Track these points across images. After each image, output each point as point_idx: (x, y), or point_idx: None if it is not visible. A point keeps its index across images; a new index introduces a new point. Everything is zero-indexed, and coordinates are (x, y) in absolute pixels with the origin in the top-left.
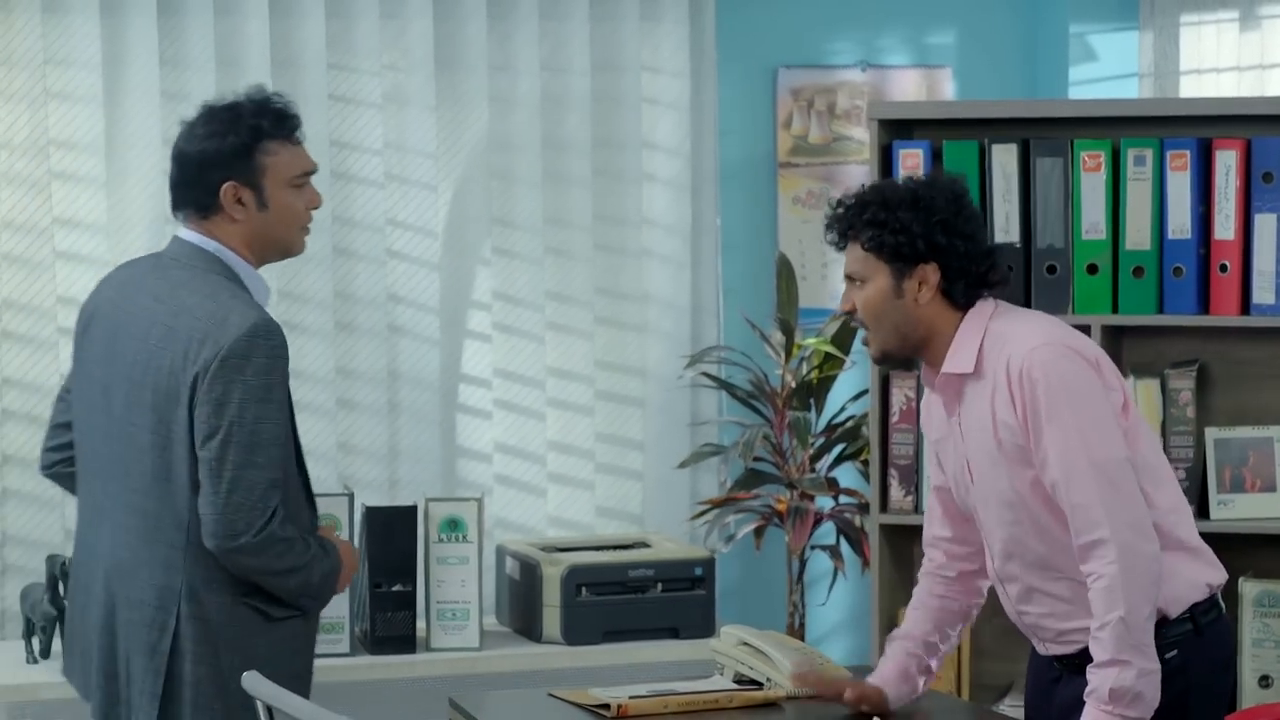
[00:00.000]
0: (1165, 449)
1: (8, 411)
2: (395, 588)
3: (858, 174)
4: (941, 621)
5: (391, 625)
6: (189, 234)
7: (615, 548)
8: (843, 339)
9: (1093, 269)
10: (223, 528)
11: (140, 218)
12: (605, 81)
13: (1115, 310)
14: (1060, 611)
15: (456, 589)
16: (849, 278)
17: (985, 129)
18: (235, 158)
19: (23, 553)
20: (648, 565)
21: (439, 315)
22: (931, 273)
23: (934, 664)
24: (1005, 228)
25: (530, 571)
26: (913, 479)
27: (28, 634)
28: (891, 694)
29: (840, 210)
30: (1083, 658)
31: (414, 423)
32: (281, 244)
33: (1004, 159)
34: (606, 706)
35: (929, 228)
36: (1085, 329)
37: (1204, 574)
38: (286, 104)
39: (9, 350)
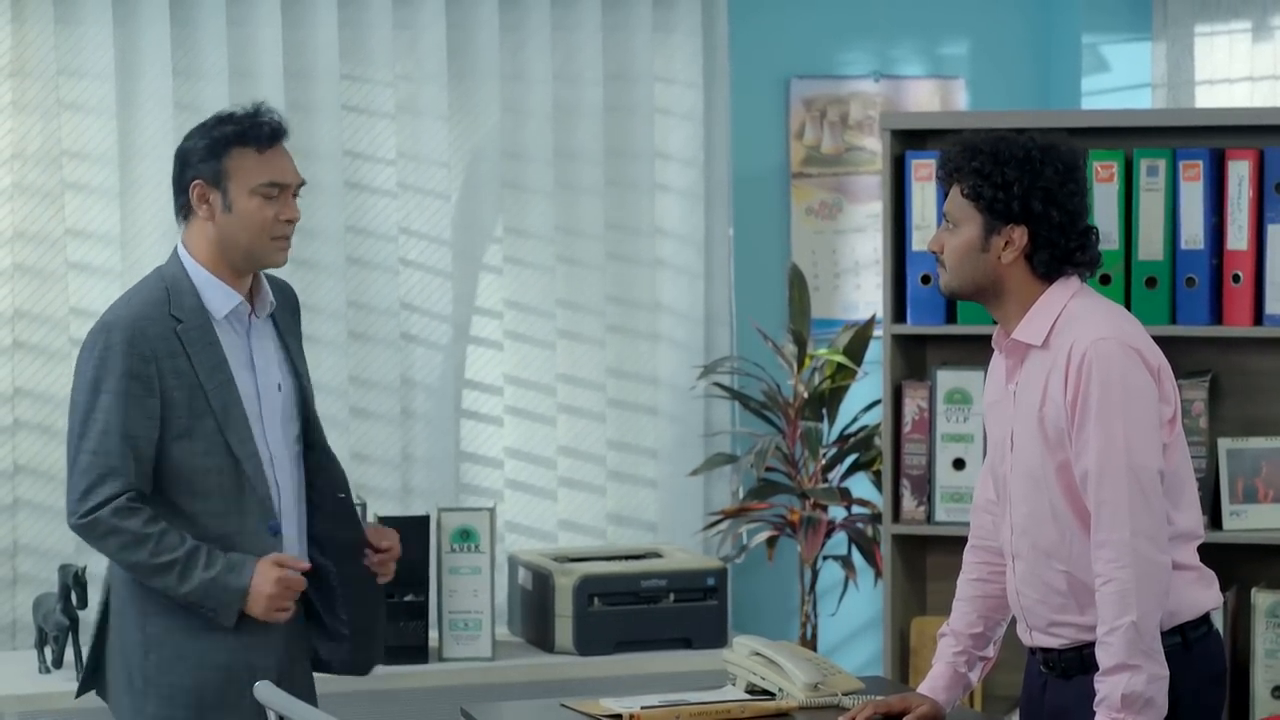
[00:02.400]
0: None
1: (20, 422)
2: (408, 598)
3: (871, 184)
4: (985, 610)
5: (404, 635)
6: (179, 243)
7: (627, 558)
8: (854, 349)
9: (1105, 279)
10: (67, 507)
11: (153, 228)
12: (618, 91)
13: None
14: (1054, 603)
15: (469, 599)
16: (945, 217)
17: None
18: (203, 159)
19: (35, 562)
20: (660, 575)
21: (451, 323)
22: (1020, 235)
23: (990, 650)
24: None
25: (543, 581)
26: (925, 489)
27: (40, 644)
28: (944, 700)
29: (953, 150)
30: (1067, 658)
31: (427, 430)
32: (249, 251)
33: None
34: (619, 717)
35: (1029, 190)
36: None
37: (1203, 598)
38: (269, 116)
39: (22, 361)
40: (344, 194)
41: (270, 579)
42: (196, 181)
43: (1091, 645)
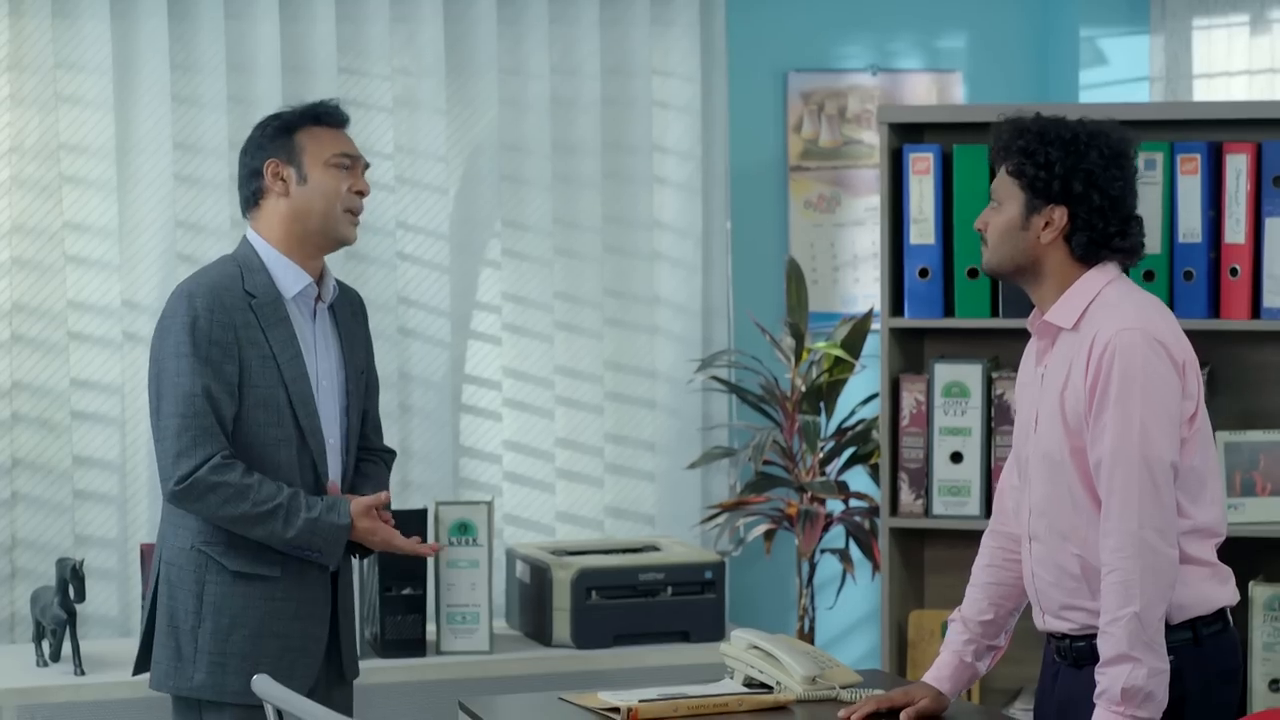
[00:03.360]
0: None
1: (19, 415)
2: (405, 591)
3: (869, 178)
4: (997, 597)
5: (402, 628)
6: (248, 230)
7: (625, 551)
8: (852, 343)
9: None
10: (160, 475)
11: (151, 222)
12: (616, 85)
13: None
14: (1067, 586)
15: (467, 592)
16: (992, 197)
17: None
18: (276, 138)
19: (32, 556)
20: (658, 569)
21: (449, 318)
22: (1060, 216)
23: (1001, 640)
24: None
25: (540, 575)
26: (923, 482)
27: (38, 637)
28: (950, 688)
29: (1003, 131)
30: (1078, 647)
31: (425, 424)
32: (323, 222)
33: None
34: (616, 710)
35: (1071, 171)
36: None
37: (1217, 594)
38: (330, 101)
39: (20, 354)
40: None
41: (365, 513)
42: (271, 160)
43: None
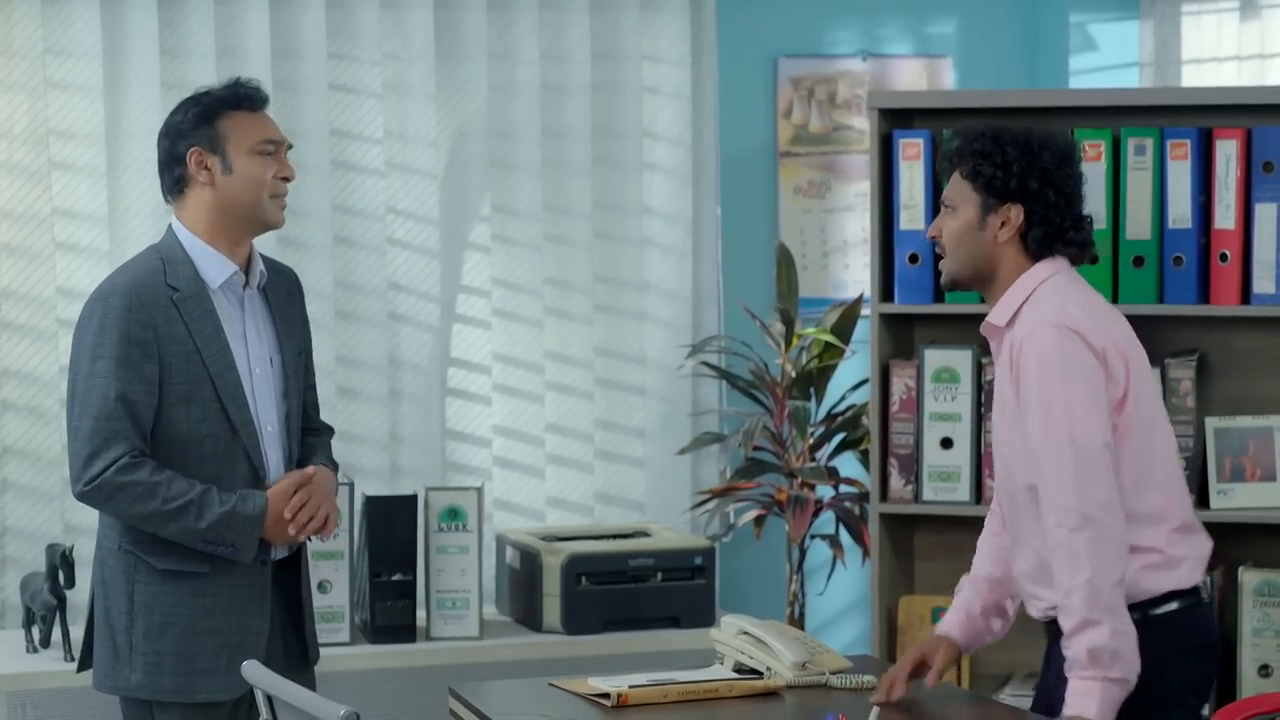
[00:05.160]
0: None
1: (7, 403)
2: (395, 577)
3: (858, 164)
4: (1001, 557)
5: (391, 614)
6: (172, 220)
7: (615, 537)
8: (842, 328)
9: (1093, 259)
10: (70, 475)
11: (140, 208)
12: (605, 71)
13: (1115, 300)
14: (1031, 573)
15: (456, 578)
16: (944, 204)
17: (986, 118)
18: (197, 126)
19: (21, 544)
20: (648, 555)
21: (439, 303)
22: (1016, 214)
23: (1008, 604)
24: None
25: (530, 561)
26: (913, 468)
27: (28, 623)
28: (960, 637)
29: (955, 139)
30: (1047, 630)
31: (415, 409)
32: (251, 211)
33: None
34: (606, 696)
35: (1027, 170)
36: None
37: (1166, 581)
38: (250, 82)
39: (8, 341)
40: (331, 173)
41: (284, 499)
42: (194, 149)
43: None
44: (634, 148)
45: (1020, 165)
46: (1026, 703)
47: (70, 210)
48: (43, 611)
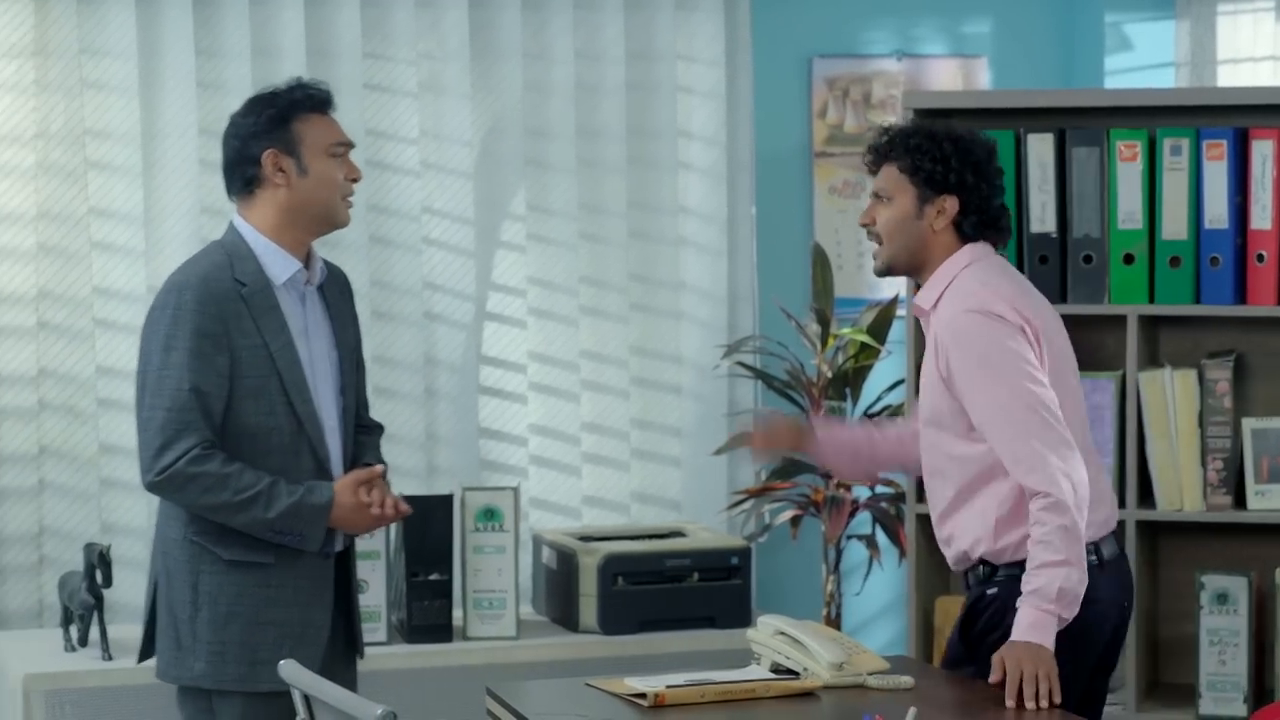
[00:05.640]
0: (1202, 439)
1: (45, 403)
2: (432, 576)
3: None
4: (878, 434)
5: (428, 614)
6: (235, 217)
7: (651, 537)
8: (878, 328)
9: (1129, 259)
10: (140, 466)
11: (176, 208)
12: (640, 70)
13: (1152, 300)
14: (936, 517)
15: (493, 578)
16: (876, 195)
17: (1021, 119)
18: (274, 128)
19: (59, 544)
20: (684, 555)
21: (474, 302)
22: (952, 205)
23: (869, 459)
24: (1041, 217)
25: (567, 561)
26: None
27: (65, 622)
28: (822, 435)
29: (886, 135)
30: (965, 576)
31: (451, 409)
32: (323, 211)
33: (1040, 149)
34: (643, 696)
35: (964, 165)
36: (1121, 319)
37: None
38: (319, 85)
39: (45, 341)
40: (366, 173)
41: (350, 491)
42: (269, 151)
43: (970, 567)
44: (669, 147)
45: (957, 160)
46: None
47: (106, 210)
48: (80, 610)
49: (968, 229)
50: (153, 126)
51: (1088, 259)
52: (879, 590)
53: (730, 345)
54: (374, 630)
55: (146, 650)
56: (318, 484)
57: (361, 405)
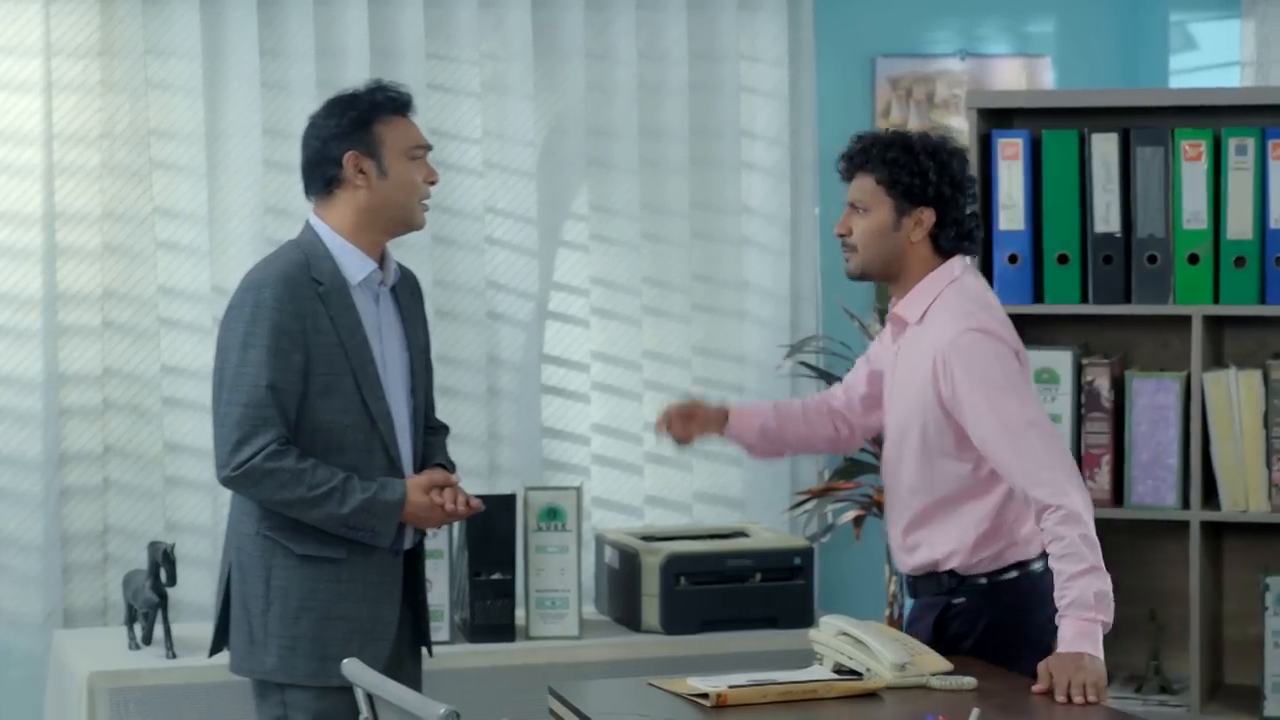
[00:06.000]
0: (1267, 440)
1: (109, 401)
2: (495, 576)
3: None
4: (784, 412)
5: (491, 613)
6: (311, 217)
7: (714, 537)
8: None
9: (1194, 259)
10: (216, 461)
11: (240, 208)
12: (703, 70)
13: (1216, 300)
14: (911, 530)
15: (556, 577)
16: (852, 205)
17: (1085, 118)
18: (355, 130)
19: (124, 542)
20: (746, 555)
21: (537, 301)
22: (929, 217)
23: (769, 437)
24: (1105, 217)
25: (629, 560)
26: None
27: (130, 620)
28: (733, 416)
29: (860, 144)
30: (915, 581)
31: (514, 408)
32: (402, 213)
33: (1104, 148)
34: (705, 696)
35: (941, 178)
36: (1186, 320)
37: (1038, 546)
38: (400, 87)
39: (111, 340)
40: None
41: (422, 490)
42: (350, 153)
43: (929, 574)
44: (732, 147)
45: (935, 172)
46: (1128, 705)
47: (171, 210)
48: (145, 609)
49: (944, 241)
50: (217, 127)
51: (1152, 259)
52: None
53: (793, 345)
54: (437, 630)
55: (218, 644)
56: (390, 480)
57: (430, 407)
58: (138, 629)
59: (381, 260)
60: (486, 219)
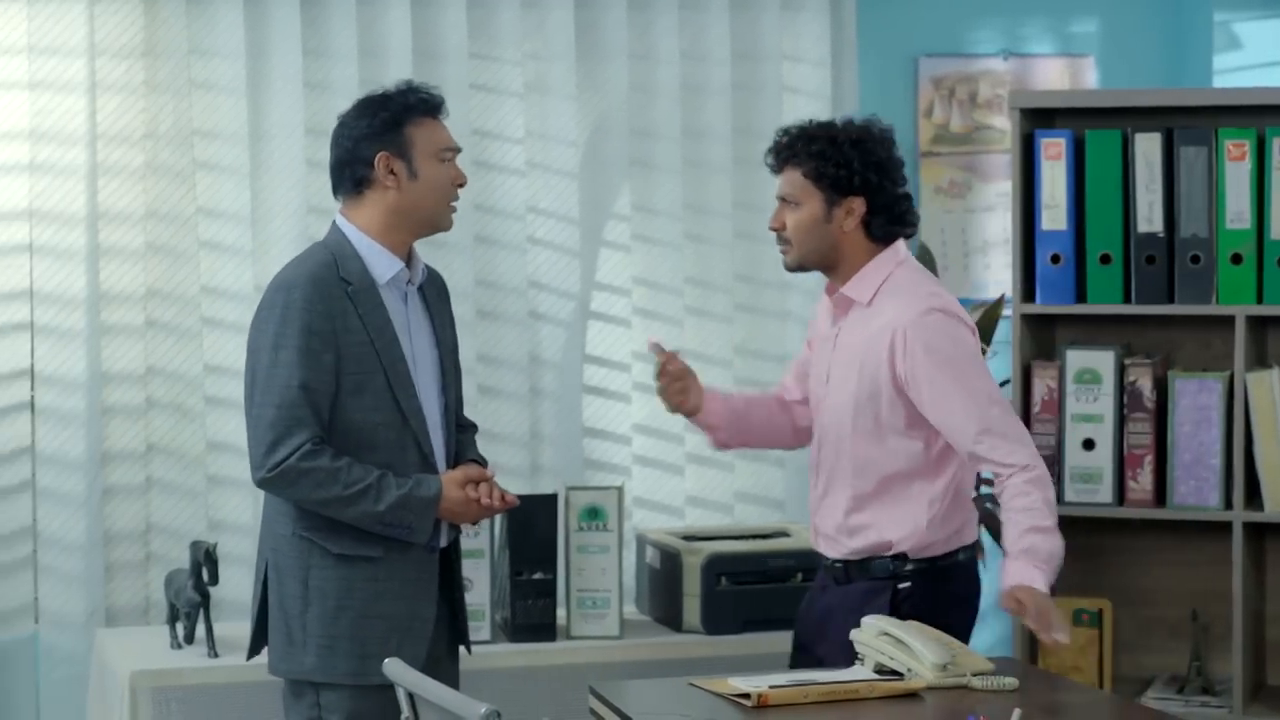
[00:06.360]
0: None
1: (153, 400)
2: (536, 575)
3: (1000, 163)
4: (752, 398)
5: (532, 613)
6: (338, 217)
7: (755, 537)
8: (984, 329)
9: (1237, 259)
10: (251, 462)
11: (283, 207)
12: (745, 70)
13: (1260, 300)
14: (848, 513)
15: (597, 577)
16: (783, 199)
17: (1128, 118)
18: (386, 131)
19: (166, 541)
20: (788, 555)
21: (579, 301)
22: (859, 205)
23: (731, 436)
24: (1148, 217)
25: (670, 560)
26: (1054, 469)
27: (172, 620)
28: (705, 394)
29: (786, 138)
30: (844, 567)
31: (555, 407)
32: (431, 215)
33: (1147, 148)
34: (747, 696)
35: (866, 166)
36: (1229, 320)
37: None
38: (430, 88)
39: (154, 339)
40: (472, 172)
41: (457, 486)
42: (382, 154)
43: (871, 558)
44: None
45: (860, 162)
46: (1170, 706)
47: (214, 210)
48: (187, 608)
49: (876, 228)
50: (260, 127)
51: (1195, 259)
52: (983, 591)
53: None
54: (478, 629)
55: (256, 645)
56: (425, 477)
57: (459, 404)
58: (180, 628)
59: (409, 260)
60: (528, 219)
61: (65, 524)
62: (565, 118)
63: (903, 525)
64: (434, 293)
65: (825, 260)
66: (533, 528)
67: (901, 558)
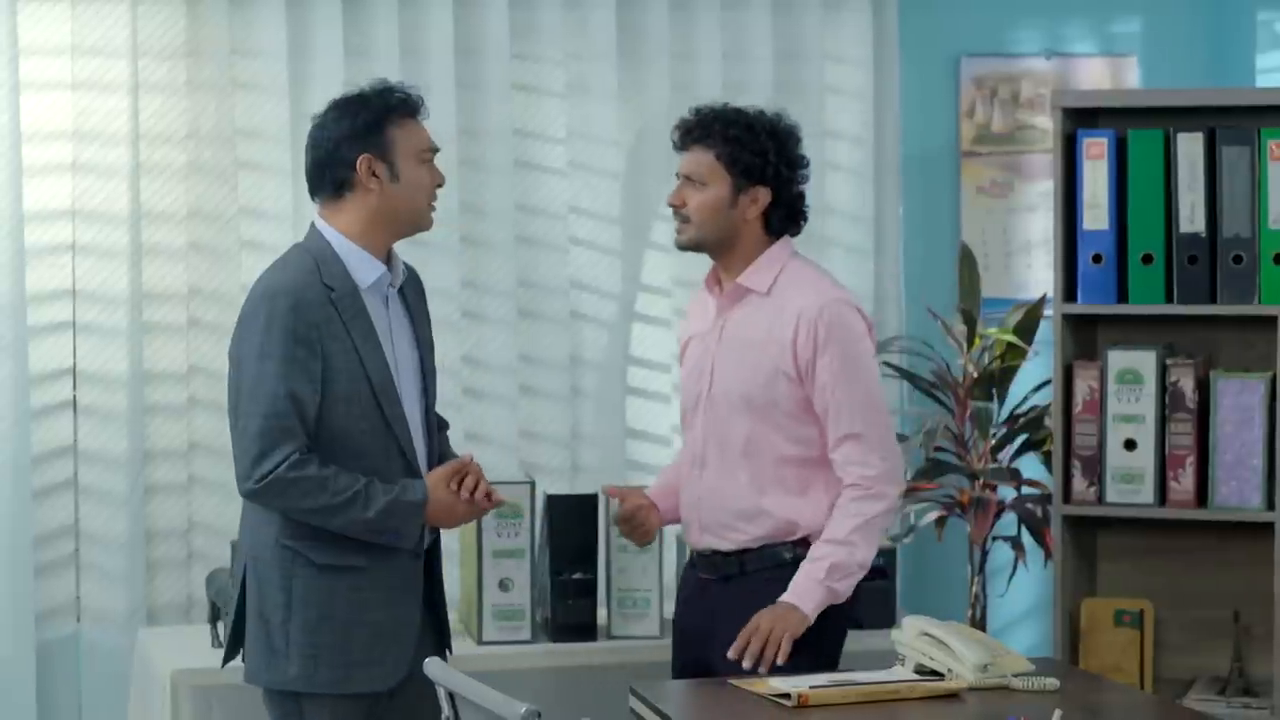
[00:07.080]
0: None
1: (195, 399)
2: (576, 575)
3: (1042, 163)
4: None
5: (572, 613)
6: (317, 220)
7: None
8: (1025, 329)
9: (1278, 259)
10: (237, 474)
11: None
12: (787, 70)
13: None
14: (731, 508)
15: (638, 577)
16: (687, 177)
17: (1170, 118)
18: (368, 132)
19: (208, 540)
20: None
21: (620, 302)
22: (764, 196)
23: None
24: (1190, 217)
25: None
26: (1096, 469)
27: (213, 619)
28: (663, 509)
29: (698, 117)
30: (729, 562)
31: (596, 408)
32: (412, 216)
33: (1189, 148)
34: (787, 696)
35: (780, 159)
36: (1271, 320)
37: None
38: (410, 88)
39: (196, 338)
40: (513, 173)
41: (443, 486)
42: (364, 156)
43: (770, 544)
44: (815, 147)
45: (775, 153)
46: (1212, 707)
47: (256, 209)
48: (228, 608)
49: (774, 221)
50: (301, 126)
51: (1237, 259)
52: (1024, 592)
53: (876, 345)
54: (518, 629)
55: (231, 653)
56: (411, 481)
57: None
58: (221, 627)
59: (389, 261)
60: (570, 219)
61: (107, 522)
62: (607, 118)
63: (804, 510)
64: (413, 292)
65: (719, 245)
66: (573, 528)
67: (804, 543)
